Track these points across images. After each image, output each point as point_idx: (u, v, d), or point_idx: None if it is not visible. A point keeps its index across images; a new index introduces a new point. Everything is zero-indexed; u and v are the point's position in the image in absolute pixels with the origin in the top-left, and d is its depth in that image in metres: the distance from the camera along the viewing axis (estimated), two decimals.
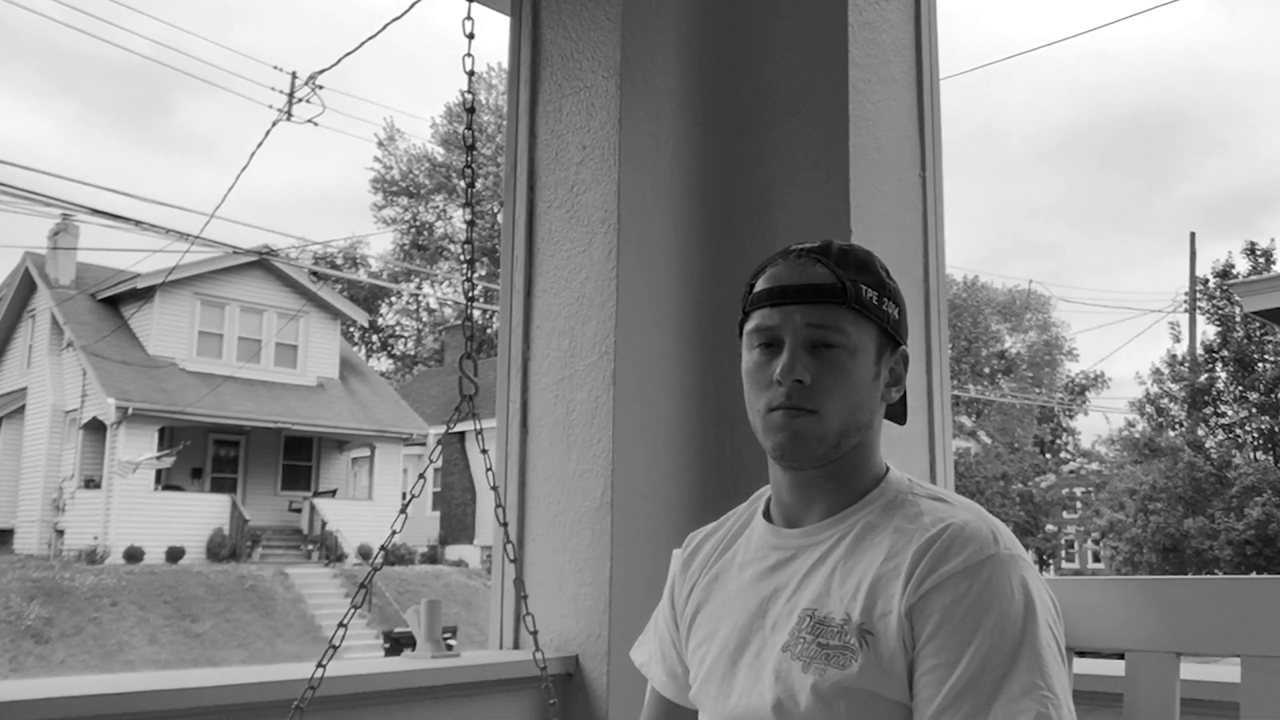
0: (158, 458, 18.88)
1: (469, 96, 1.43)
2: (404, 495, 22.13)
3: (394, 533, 1.58)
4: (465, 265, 1.51)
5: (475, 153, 1.43)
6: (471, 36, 1.48)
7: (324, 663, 1.66)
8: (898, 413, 1.30)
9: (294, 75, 15.61)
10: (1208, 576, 1.64)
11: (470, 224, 1.58)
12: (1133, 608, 1.33)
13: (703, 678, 1.25)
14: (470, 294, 1.54)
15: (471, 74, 1.45)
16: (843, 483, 1.21)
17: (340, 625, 1.62)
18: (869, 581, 1.13)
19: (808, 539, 1.21)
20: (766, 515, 1.28)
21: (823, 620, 1.14)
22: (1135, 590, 1.36)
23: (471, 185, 1.45)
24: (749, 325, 1.23)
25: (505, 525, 1.88)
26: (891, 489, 1.22)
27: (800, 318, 1.19)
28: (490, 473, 1.75)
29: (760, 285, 1.22)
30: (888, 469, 1.25)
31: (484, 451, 1.75)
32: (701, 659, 1.26)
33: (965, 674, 1.04)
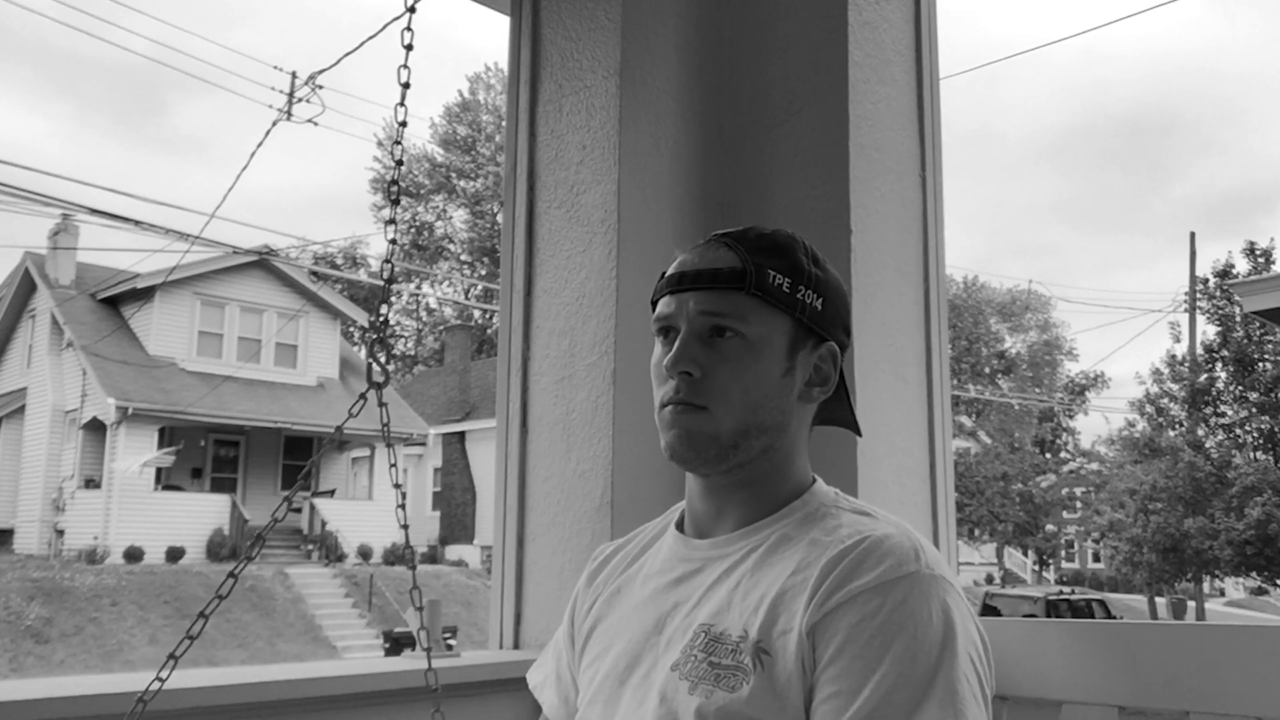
0: (159, 457, 18.90)
1: (406, 71, 1.41)
2: (404, 495, 22.10)
3: (405, 527, 1.55)
4: (391, 205, 1.46)
5: (408, 89, 1.40)
6: (412, 10, 1.47)
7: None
8: (846, 420, 1.17)
9: (294, 75, 15.62)
10: (1152, 622, 1.48)
11: (399, 163, 1.55)
12: (1073, 653, 1.20)
13: (589, 699, 1.14)
14: (391, 249, 1.47)
15: (410, 48, 1.43)
16: (756, 491, 1.10)
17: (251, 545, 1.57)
18: (772, 596, 1.00)
19: (716, 550, 1.10)
20: (680, 526, 1.17)
21: (718, 637, 1.02)
22: (1076, 634, 1.23)
23: (403, 124, 1.43)
24: (653, 315, 1.13)
25: (405, 528, 1.87)
26: (814, 501, 1.10)
27: (694, 304, 1.07)
28: (393, 468, 1.67)
29: (667, 272, 1.12)
30: (814, 480, 1.13)
31: (392, 465, 1.66)
32: (590, 679, 1.15)
33: (867, 705, 0.90)
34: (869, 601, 0.94)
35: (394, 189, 1.48)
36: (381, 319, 1.35)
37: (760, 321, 1.06)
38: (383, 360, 1.36)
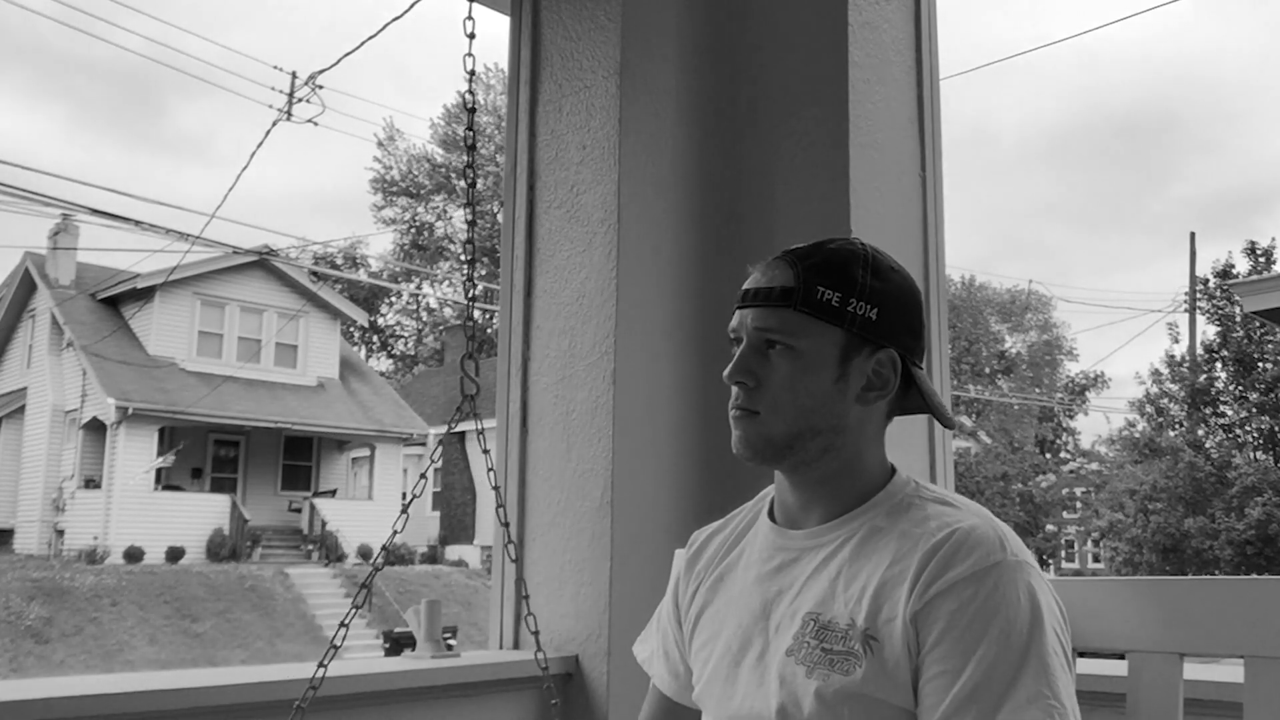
0: (164, 459, 18.94)
1: (470, 97, 1.42)
2: (404, 495, 22.14)
3: (395, 532, 1.57)
4: (466, 265, 1.50)
5: (475, 153, 1.43)
6: (472, 36, 1.48)
7: (325, 663, 1.66)
8: (929, 412, 1.26)
9: (294, 75, 15.62)
10: (1210, 577, 1.63)
11: (471, 224, 1.57)
12: (1135, 608, 1.32)
13: (706, 678, 1.24)
14: (472, 294, 1.52)
15: (473, 74, 1.44)
16: (836, 486, 1.20)
17: (342, 625, 1.62)
18: (874, 587, 1.11)
19: (812, 540, 1.20)
20: (771, 515, 1.27)
21: (827, 625, 1.13)
22: (1138, 590, 1.35)
23: (473, 186, 1.44)
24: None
25: (507, 525, 1.88)
26: (897, 491, 1.20)
27: (751, 320, 1.19)
28: (492, 472, 1.75)
29: (743, 286, 1.24)
30: (894, 471, 1.23)
31: (485, 451, 1.74)
32: (705, 660, 1.25)
33: (970, 681, 1.03)
34: (965, 590, 1.06)
35: (468, 177, 1.49)
36: (469, 335, 1.40)
37: (810, 335, 1.16)
38: (473, 373, 1.42)
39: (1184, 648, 1.26)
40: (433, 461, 1.99)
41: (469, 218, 1.58)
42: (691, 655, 1.30)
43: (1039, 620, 1.05)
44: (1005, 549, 1.09)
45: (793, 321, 1.17)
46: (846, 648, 1.10)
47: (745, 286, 1.21)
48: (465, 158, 1.42)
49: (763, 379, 1.18)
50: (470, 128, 1.39)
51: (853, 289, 1.17)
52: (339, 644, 1.53)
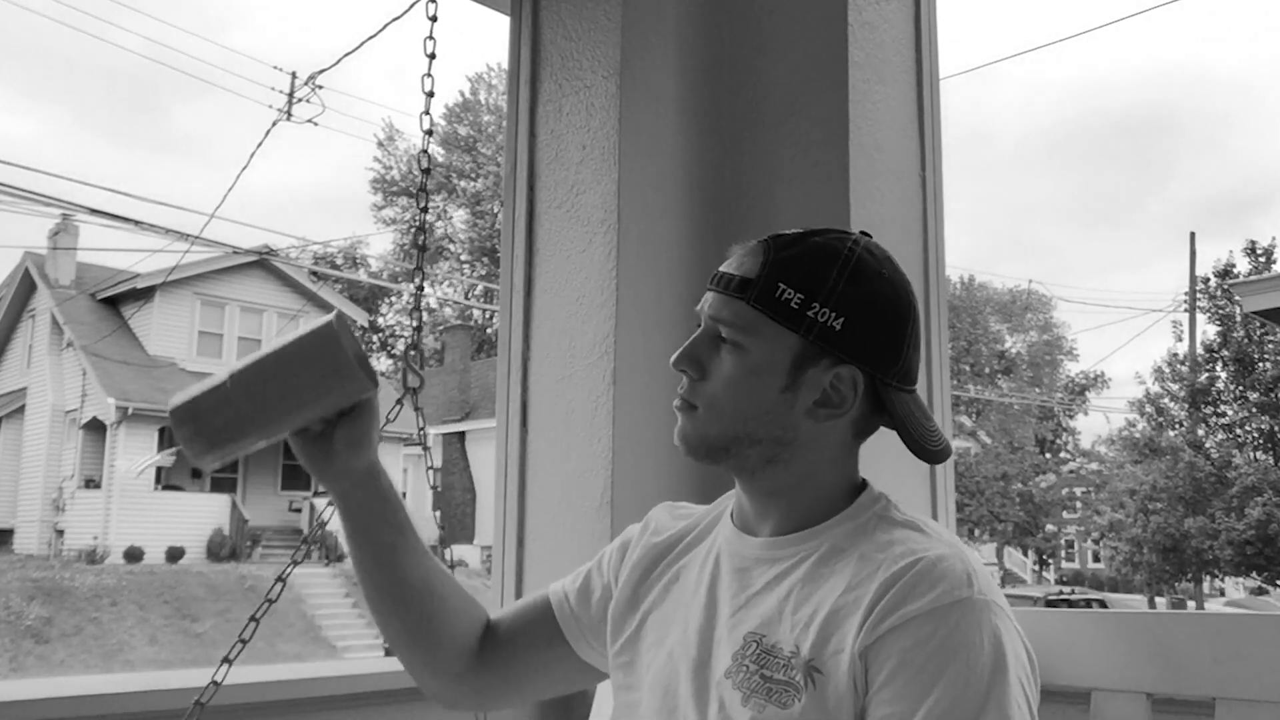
0: (161, 458, 18.92)
1: (430, 80, 1.41)
2: (403, 494, 22.12)
3: (441, 527, 1.55)
4: (417, 252, 1.46)
5: (431, 138, 1.40)
6: (434, 19, 1.46)
7: (231, 658, 1.65)
8: (906, 444, 1.10)
9: (294, 75, 15.63)
10: (1182, 611, 1.54)
11: (423, 210, 1.53)
12: (1100, 643, 1.22)
13: (648, 685, 1.14)
14: (419, 282, 1.47)
15: (433, 57, 1.43)
16: (789, 501, 1.09)
17: (279, 580, 1.48)
18: (824, 613, 1.00)
19: (766, 553, 1.09)
20: (734, 516, 1.17)
21: (770, 649, 1.02)
22: (1102, 624, 1.27)
23: (427, 172, 1.42)
24: None
25: (443, 529, 1.86)
26: (863, 510, 1.08)
27: (708, 306, 1.09)
28: (433, 471, 1.68)
29: None
30: (864, 486, 1.12)
31: (426, 449, 1.66)
32: (649, 664, 1.15)
33: None
34: (923, 627, 0.94)
35: (422, 196, 1.48)
36: (415, 326, 1.37)
37: (762, 335, 1.05)
38: (417, 366, 1.39)
39: (1151, 687, 1.17)
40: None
41: (422, 205, 1.55)
42: (640, 653, 1.18)
43: (1002, 668, 0.93)
44: (972, 585, 0.97)
45: (746, 317, 1.05)
46: (787, 677, 1.00)
47: (719, 267, 1.10)
48: (422, 145, 1.40)
49: (709, 372, 1.08)
50: (427, 111, 1.37)
51: (818, 292, 1.04)
52: (274, 595, 1.41)
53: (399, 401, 1.38)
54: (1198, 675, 1.15)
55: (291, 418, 1.09)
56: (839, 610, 0.99)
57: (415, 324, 1.32)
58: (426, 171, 1.48)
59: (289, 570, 1.33)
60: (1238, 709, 1.12)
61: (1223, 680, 1.14)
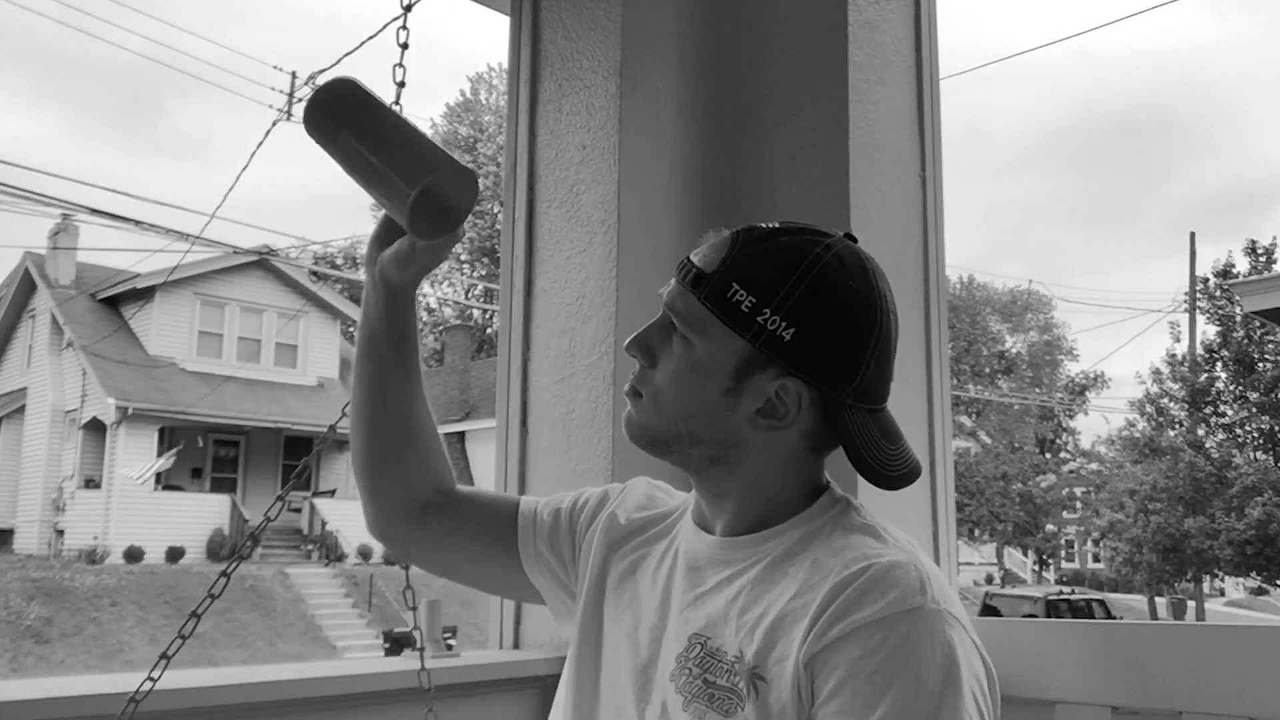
0: (162, 461, 18.94)
1: (402, 70, 1.41)
2: None
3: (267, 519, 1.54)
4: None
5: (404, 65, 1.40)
6: (408, 8, 1.46)
7: (170, 654, 1.65)
8: (855, 468, 1.02)
9: (294, 75, 15.64)
10: (1145, 623, 1.51)
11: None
12: (1065, 654, 1.20)
13: (599, 674, 1.11)
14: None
15: (405, 46, 1.43)
16: (737, 503, 1.05)
17: (193, 614, 1.53)
18: (771, 619, 0.96)
19: (720, 553, 1.05)
20: (693, 512, 1.13)
21: (713, 653, 0.99)
22: (1067, 634, 1.23)
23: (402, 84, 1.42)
24: None
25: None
26: (820, 513, 1.04)
27: (666, 294, 1.05)
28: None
29: None
30: (826, 488, 1.06)
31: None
32: (615, 645, 1.12)
33: None
34: (871, 636, 0.90)
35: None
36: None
37: (709, 334, 1.00)
38: None
39: (1116, 700, 1.15)
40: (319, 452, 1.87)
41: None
42: (607, 612, 1.14)
43: (954, 679, 0.88)
44: (925, 593, 0.92)
45: (696, 312, 1.01)
46: (730, 684, 0.96)
47: (690, 251, 1.06)
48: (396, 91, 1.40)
49: (658, 361, 1.04)
50: (397, 101, 1.36)
51: (771, 297, 0.97)
52: (187, 636, 1.42)
53: (345, 410, 1.37)
54: (1163, 687, 1.14)
55: (371, 180, 1.09)
56: (786, 616, 0.96)
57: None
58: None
59: (233, 566, 1.32)
60: None
61: (1188, 693, 1.12)
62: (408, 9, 1.40)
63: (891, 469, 1.02)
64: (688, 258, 1.04)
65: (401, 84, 1.39)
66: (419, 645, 1.56)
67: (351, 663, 2.01)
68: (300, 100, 15.35)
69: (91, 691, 1.49)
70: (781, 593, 0.98)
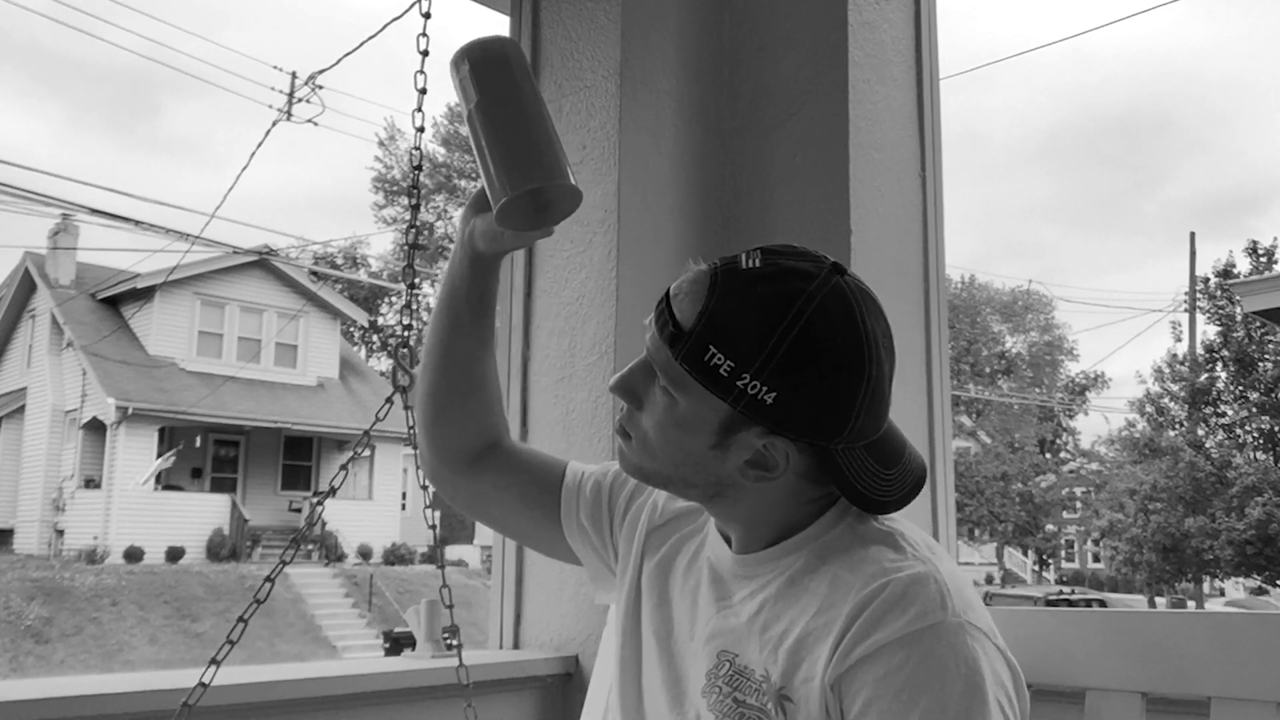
0: (162, 462, 18.96)
1: (423, 77, 1.41)
2: (404, 494, 22.14)
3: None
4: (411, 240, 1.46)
5: (422, 134, 1.41)
6: (427, 16, 1.46)
7: (219, 659, 1.65)
8: (847, 497, 1.01)
9: (294, 75, 15.64)
10: (1177, 610, 1.54)
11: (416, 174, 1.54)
12: (1095, 642, 1.21)
13: (646, 658, 1.12)
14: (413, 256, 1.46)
15: (425, 54, 1.43)
16: (747, 525, 1.05)
17: (240, 622, 1.56)
18: (794, 638, 0.96)
19: (742, 568, 1.05)
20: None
21: (741, 671, 1.00)
22: (1097, 623, 1.25)
23: (420, 130, 1.43)
24: None
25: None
26: (839, 520, 1.02)
27: (649, 339, 1.02)
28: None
29: None
30: (834, 500, 1.03)
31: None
32: (648, 646, 1.13)
33: None
34: (895, 654, 0.90)
35: (414, 194, 1.49)
36: (405, 325, 1.38)
37: (689, 393, 0.98)
38: (408, 364, 1.38)
39: (1147, 687, 1.16)
40: (357, 454, 1.83)
41: (413, 201, 1.55)
42: (645, 612, 1.14)
43: (979, 692, 0.89)
44: (946, 607, 0.92)
45: (674, 371, 0.98)
46: (760, 704, 0.97)
47: (671, 287, 1.01)
48: (414, 142, 1.39)
49: (644, 403, 1.03)
50: (420, 109, 1.37)
51: (751, 361, 0.93)
52: (235, 642, 1.43)
53: (388, 400, 1.39)
54: (1193, 674, 1.15)
55: (478, 155, 1.10)
56: (809, 635, 0.96)
57: (406, 322, 1.33)
58: (418, 168, 1.48)
59: (278, 570, 1.33)
60: (1232, 708, 1.11)
61: (1218, 679, 1.13)
62: (427, 16, 1.41)
63: (886, 495, 1.01)
64: (666, 299, 1.00)
65: (423, 91, 1.40)
66: (456, 642, 1.58)
67: (352, 663, 2.01)
68: (300, 100, 15.35)
69: (96, 691, 1.49)
70: (803, 610, 0.98)
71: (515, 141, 1.08)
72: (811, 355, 0.94)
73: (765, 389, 0.93)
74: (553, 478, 1.27)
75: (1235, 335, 21.03)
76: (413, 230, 1.43)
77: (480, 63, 1.11)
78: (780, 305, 0.94)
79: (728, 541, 1.08)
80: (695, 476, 1.02)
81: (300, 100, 15.34)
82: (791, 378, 0.93)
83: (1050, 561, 34.15)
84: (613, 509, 1.24)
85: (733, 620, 1.03)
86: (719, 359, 0.94)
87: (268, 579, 1.33)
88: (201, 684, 1.32)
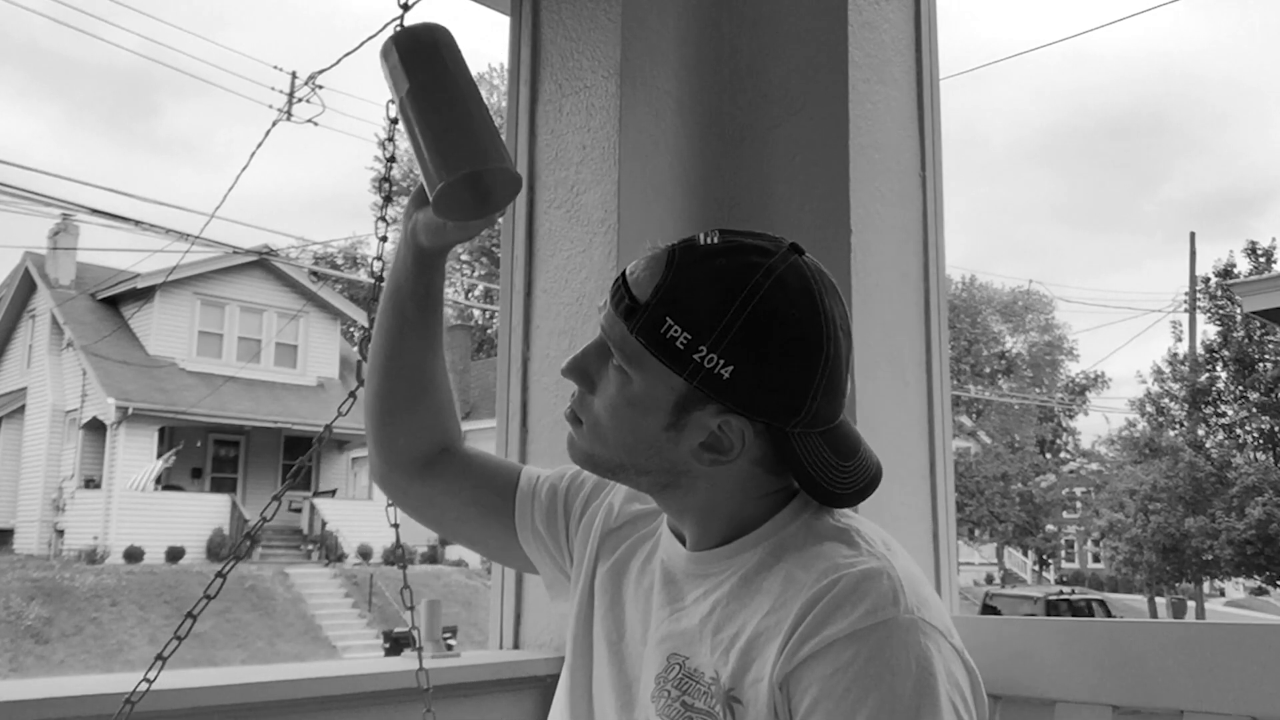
0: (163, 461, 18.95)
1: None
2: None
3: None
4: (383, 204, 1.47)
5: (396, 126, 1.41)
6: (406, 7, 1.45)
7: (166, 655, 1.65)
8: (807, 489, 0.98)
9: (294, 75, 15.64)
10: (1146, 621, 1.50)
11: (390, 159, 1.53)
12: (1065, 652, 1.18)
13: (601, 659, 1.10)
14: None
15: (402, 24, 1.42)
16: (700, 519, 1.02)
17: (190, 614, 1.55)
18: (745, 639, 0.94)
19: (695, 567, 1.03)
20: (668, 520, 1.10)
21: (691, 674, 0.97)
22: (1067, 632, 1.22)
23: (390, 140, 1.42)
24: None
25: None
26: (794, 517, 1.00)
27: (603, 317, 0.99)
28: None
29: None
30: (794, 494, 1.01)
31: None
32: (600, 648, 1.11)
33: None
34: (843, 651, 0.87)
35: (385, 185, 1.48)
36: (371, 318, 1.34)
37: (644, 369, 0.95)
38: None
39: (1118, 699, 1.13)
40: (317, 449, 1.78)
41: (382, 214, 1.55)
42: (598, 620, 1.12)
43: (930, 692, 0.85)
44: (898, 603, 0.89)
45: (630, 346, 0.95)
46: (708, 706, 0.94)
47: (627, 268, 0.99)
48: (388, 133, 1.39)
49: (596, 386, 1.00)
50: (394, 99, 1.36)
51: (707, 334, 0.91)
52: (183, 638, 1.45)
53: (351, 394, 1.36)
54: (1164, 687, 1.13)
55: (412, 143, 1.09)
56: (760, 635, 0.93)
57: (373, 315, 1.28)
58: (391, 160, 1.47)
59: (229, 566, 1.33)
60: None
61: (1190, 692, 1.11)
62: (405, 8, 1.40)
63: (842, 487, 0.98)
64: (623, 276, 0.98)
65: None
66: (417, 645, 1.56)
67: (351, 663, 2.01)
68: (299, 100, 15.35)
69: (88, 692, 1.49)
70: (756, 609, 0.95)
71: (447, 127, 1.05)
72: (769, 329, 0.92)
73: (722, 362, 0.91)
74: (507, 483, 1.24)
75: (1235, 335, 21.03)
76: (382, 223, 1.42)
77: (409, 51, 1.09)
78: (738, 278, 0.93)
79: (681, 541, 1.05)
80: (648, 462, 0.99)
81: (300, 100, 15.34)
82: (749, 351, 0.91)
83: (1050, 561, 34.16)
84: (569, 513, 1.21)
85: (685, 622, 1.01)
86: (675, 330, 0.92)
87: (219, 574, 1.31)
88: (146, 679, 1.31)
